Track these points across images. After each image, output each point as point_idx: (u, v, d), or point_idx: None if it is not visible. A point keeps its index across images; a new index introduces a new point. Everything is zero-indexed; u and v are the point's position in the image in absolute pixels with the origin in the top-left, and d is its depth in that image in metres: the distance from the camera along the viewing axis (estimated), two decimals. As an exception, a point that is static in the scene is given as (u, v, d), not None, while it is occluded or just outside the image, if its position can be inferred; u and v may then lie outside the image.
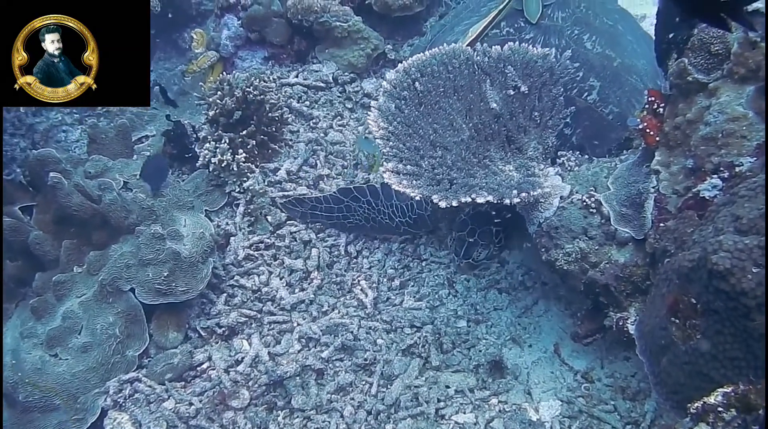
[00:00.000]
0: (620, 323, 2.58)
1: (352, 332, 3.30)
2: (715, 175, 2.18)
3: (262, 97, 3.94)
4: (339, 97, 4.51)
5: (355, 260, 3.72)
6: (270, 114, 4.01)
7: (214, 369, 3.25)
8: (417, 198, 2.62)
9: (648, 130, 2.53)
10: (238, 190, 3.87)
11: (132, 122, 4.45)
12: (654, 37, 2.61)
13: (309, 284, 3.57)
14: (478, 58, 2.89)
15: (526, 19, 3.29)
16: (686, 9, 2.12)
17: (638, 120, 2.59)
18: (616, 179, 2.69)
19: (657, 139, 2.51)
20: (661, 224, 2.41)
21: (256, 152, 3.99)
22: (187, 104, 4.67)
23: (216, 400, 3.10)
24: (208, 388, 3.18)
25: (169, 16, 5.06)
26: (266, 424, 3.04)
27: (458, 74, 2.87)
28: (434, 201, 2.56)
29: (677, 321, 1.91)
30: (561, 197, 2.79)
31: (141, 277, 3.24)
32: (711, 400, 1.64)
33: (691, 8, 1.94)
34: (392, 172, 2.68)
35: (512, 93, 2.86)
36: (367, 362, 3.21)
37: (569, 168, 2.97)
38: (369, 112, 2.86)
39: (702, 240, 1.94)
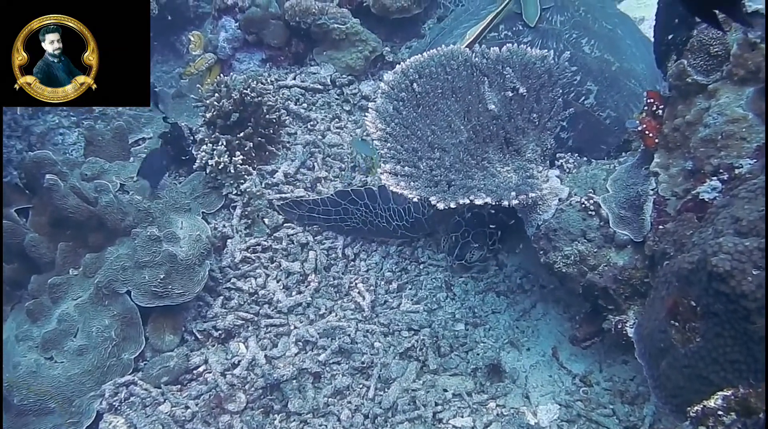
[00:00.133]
0: (619, 326, 2.57)
1: (349, 335, 3.29)
2: (715, 177, 2.17)
3: (259, 99, 3.93)
4: (337, 99, 4.51)
5: (352, 263, 3.71)
6: (267, 116, 4.01)
7: (210, 372, 3.24)
8: (415, 199, 2.60)
9: (647, 132, 2.52)
10: (235, 192, 3.86)
11: (129, 125, 4.45)
12: (653, 39, 2.60)
13: (306, 287, 3.56)
14: (477, 59, 2.88)
15: (524, 23, 3.28)
16: (685, 5, 2.11)
17: (637, 122, 2.58)
18: (615, 181, 2.68)
19: (656, 141, 2.49)
20: (660, 226, 2.39)
21: (253, 154, 3.98)
22: (185, 106, 4.65)
23: (212, 404, 3.09)
24: (205, 392, 3.17)
25: (169, 18, 5.06)
26: (263, 427, 3.02)
27: (456, 76, 2.86)
28: (432, 202, 2.54)
29: (677, 324, 1.89)
30: (559, 199, 2.78)
31: (137, 280, 3.23)
32: (711, 403, 1.63)
33: (691, 5, 1.93)
34: (390, 173, 2.66)
35: (510, 95, 2.85)
36: (365, 365, 3.20)
37: (568, 170, 2.96)
38: (367, 114, 2.84)
39: (702, 242, 1.92)
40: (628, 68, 3.27)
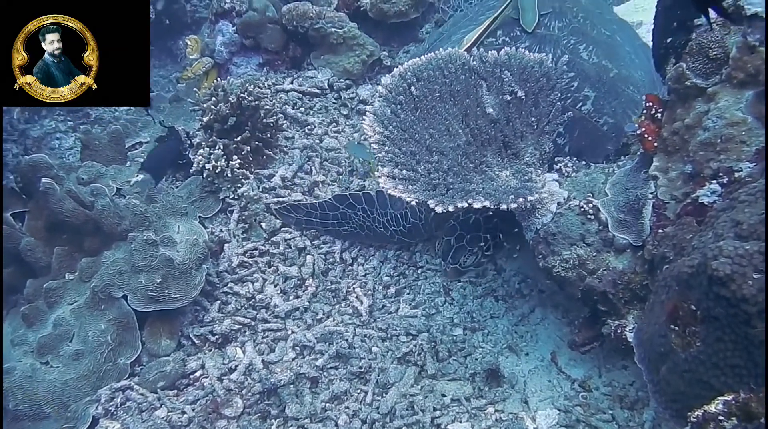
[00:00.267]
0: (618, 331, 2.56)
1: (347, 340, 3.27)
2: (714, 181, 2.16)
3: (256, 103, 3.92)
4: (334, 103, 4.51)
5: (350, 267, 3.69)
6: (265, 120, 4.00)
7: (207, 377, 3.22)
8: (413, 203, 2.59)
9: (646, 136, 2.51)
10: (232, 196, 3.85)
11: (125, 129, 4.45)
12: (652, 43, 2.60)
13: (304, 291, 3.54)
14: (475, 63, 2.88)
15: (522, 28, 3.28)
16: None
17: (636, 125, 2.58)
18: (614, 185, 2.67)
19: (655, 144, 2.49)
20: (660, 230, 2.39)
21: (250, 158, 3.97)
22: (182, 110, 4.65)
23: (209, 409, 3.07)
24: (201, 397, 3.15)
25: (166, 23, 5.06)
26: (260, 433, 3.01)
27: (455, 79, 2.86)
28: (430, 206, 2.53)
29: (677, 328, 1.89)
30: (558, 203, 2.77)
31: (133, 284, 3.21)
32: (711, 408, 1.62)
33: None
34: (388, 176, 2.65)
35: (509, 98, 2.84)
36: (362, 370, 3.18)
37: (566, 174, 2.95)
38: (364, 117, 2.84)
39: (702, 246, 1.92)
40: (626, 75, 3.27)
